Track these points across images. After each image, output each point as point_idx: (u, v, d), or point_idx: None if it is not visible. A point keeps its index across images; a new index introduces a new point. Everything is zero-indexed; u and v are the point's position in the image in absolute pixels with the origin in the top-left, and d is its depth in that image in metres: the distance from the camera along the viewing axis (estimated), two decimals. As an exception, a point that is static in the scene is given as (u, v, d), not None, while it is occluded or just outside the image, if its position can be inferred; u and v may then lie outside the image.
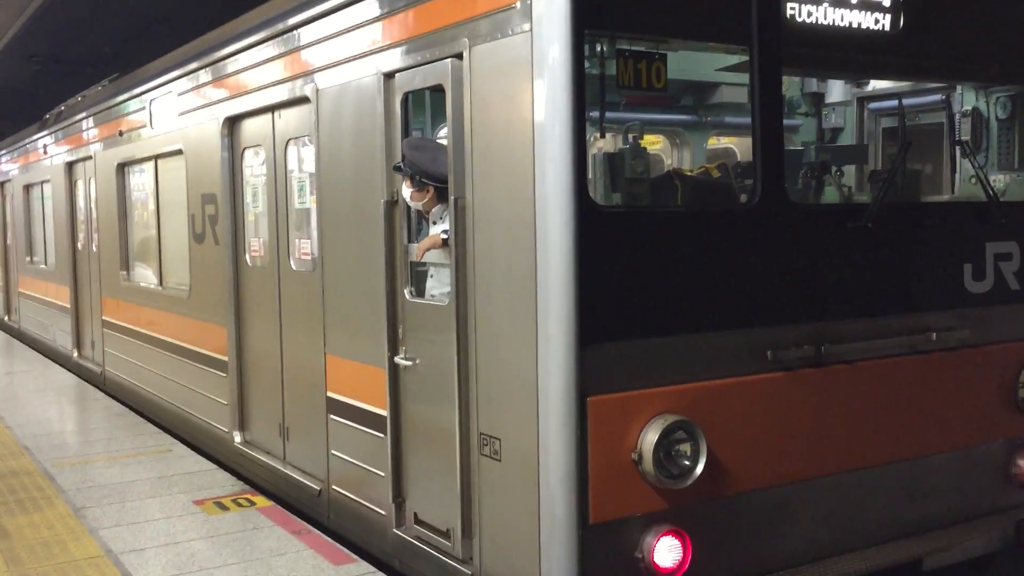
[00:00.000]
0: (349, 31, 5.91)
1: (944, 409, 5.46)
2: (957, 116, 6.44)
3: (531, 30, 4.33)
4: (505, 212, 4.60)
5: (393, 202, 5.57)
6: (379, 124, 5.60)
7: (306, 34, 6.47)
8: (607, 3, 4.43)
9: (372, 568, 5.73)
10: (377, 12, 5.59)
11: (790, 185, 5.30)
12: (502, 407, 4.71)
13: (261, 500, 7.04)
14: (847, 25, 5.09)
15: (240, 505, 6.94)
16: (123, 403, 10.97)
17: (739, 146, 7.53)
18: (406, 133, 5.51)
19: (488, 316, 4.78)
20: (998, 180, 6.41)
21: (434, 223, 5.37)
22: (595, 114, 4.48)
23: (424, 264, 5.50)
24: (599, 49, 4.55)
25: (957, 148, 5.81)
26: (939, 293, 5.44)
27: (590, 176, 4.50)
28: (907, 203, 5.64)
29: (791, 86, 7.09)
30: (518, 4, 4.42)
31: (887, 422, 5.24)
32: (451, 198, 4.94)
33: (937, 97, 6.75)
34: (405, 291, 5.54)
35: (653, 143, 7.60)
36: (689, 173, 5.67)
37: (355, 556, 5.90)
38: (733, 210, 4.98)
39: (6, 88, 20.30)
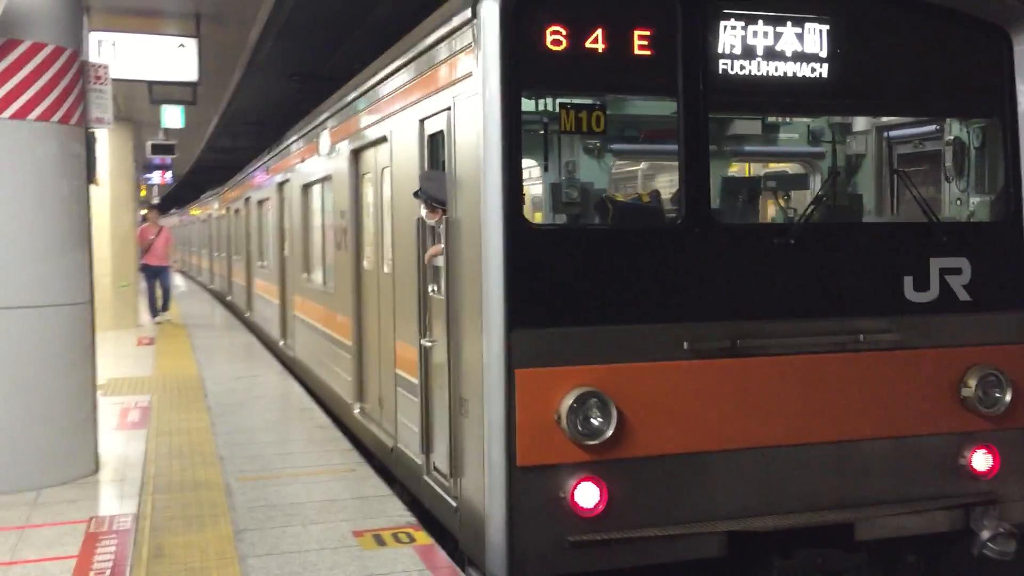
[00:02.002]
0: (404, 87, 7.59)
1: (876, 401, 6.26)
2: (948, 145, 7.13)
3: (480, 92, 5.76)
4: (467, 228, 6.05)
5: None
6: (418, 158, 7.22)
7: (384, 89, 8.24)
8: (540, 70, 5.76)
9: None
10: (415, 74, 7.24)
11: (724, 207, 6.34)
12: (468, 377, 6.15)
13: (422, 537, 6.71)
14: (771, 75, 6.09)
15: (399, 541, 6.63)
16: (304, 384, 13.24)
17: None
18: (431, 166, 7.08)
19: (461, 307, 6.25)
20: (975, 202, 7.06)
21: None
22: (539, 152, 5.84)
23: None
24: (541, 103, 5.88)
25: (895, 176, 6.56)
26: (868, 301, 6.27)
27: (531, 200, 5.86)
28: (839, 223, 6.50)
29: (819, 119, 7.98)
30: (475, 70, 5.87)
31: (812, 407, 6.11)
32: (446, 217, 6.46)
33: (932, 127, 7.48)
34: (429, 288, 7.11)
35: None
36: (621, 199, 6.84)
37: None
38: (654, 228, 6.13)
39: (274, 105, 23.03)
